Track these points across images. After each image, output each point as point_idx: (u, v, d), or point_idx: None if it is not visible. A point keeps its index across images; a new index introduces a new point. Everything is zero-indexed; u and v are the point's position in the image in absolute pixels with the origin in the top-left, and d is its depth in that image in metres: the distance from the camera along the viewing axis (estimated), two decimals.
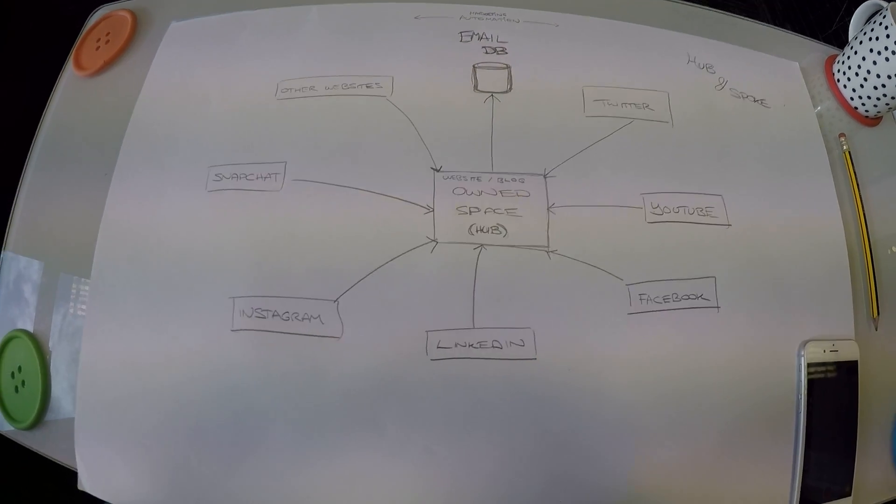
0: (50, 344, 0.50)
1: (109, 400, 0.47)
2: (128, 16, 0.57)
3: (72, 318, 0.50)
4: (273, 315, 0.46)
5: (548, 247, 0.47)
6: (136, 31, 0.57)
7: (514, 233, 0.47)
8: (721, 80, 0.58)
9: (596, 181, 0.50)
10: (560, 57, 0.56)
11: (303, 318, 0.45)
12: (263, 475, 0.45)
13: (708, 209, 0.50)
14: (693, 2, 0.63)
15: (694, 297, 0.47)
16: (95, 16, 0.60)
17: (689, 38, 0.60)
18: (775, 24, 0.67)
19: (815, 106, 0.58)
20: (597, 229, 0.48)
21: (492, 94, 0.53)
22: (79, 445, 0.48)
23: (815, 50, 0.63)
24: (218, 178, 0.49)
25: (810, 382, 0.46)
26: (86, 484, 0.48)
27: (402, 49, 0.55)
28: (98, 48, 0.56)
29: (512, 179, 0.49)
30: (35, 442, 0.50)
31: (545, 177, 0.49)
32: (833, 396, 0.46)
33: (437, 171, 0.49)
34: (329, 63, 0.54)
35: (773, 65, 0.60)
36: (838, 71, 0.59)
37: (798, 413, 0.46)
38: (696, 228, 0.49)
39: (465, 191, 0.48)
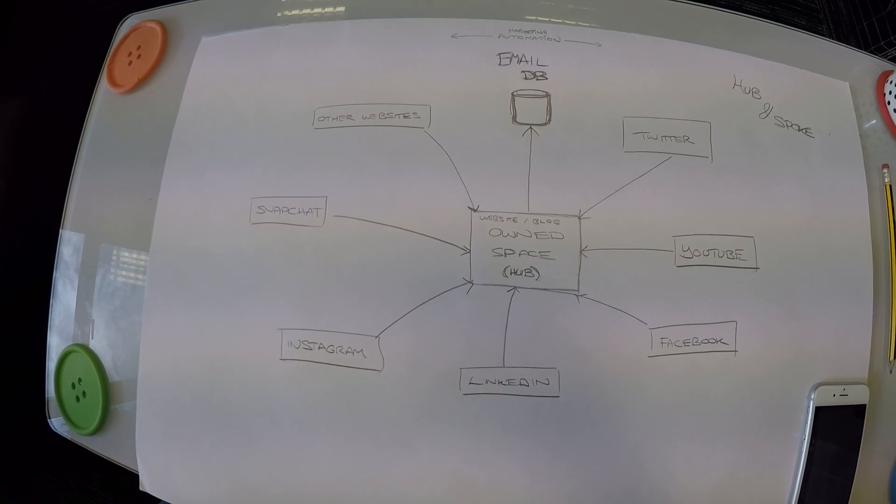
0: (107, 358, 0.58)
1: (166, 415, 0.56)
2: (157, 28, 0.60)
3: (127, 335, 0.58)
4: (319, 347, 0.53)
5: (577, 290, 0.53)
6: (167, 44, 0.60)
7: (547, 276, 0.53)
8: (766, 107, 0.61)
9: (629, 222, 0.55)
10: (601, 82, 0.59)
11: (346, 352, 0.53)
12: (305, 485, 0.54)
13: (738, 252, 0.56)
14: (750, 14, 0.65)
15: (713, 341, 0.54)
16: (124, 26, 0.63)
17: (737, 57, 0.62)
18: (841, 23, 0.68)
19: (860, 126, 0.62)
20: (626, 273, 0.54)
21: (530, 126, 0.57)
22: (140, 451, 0.57)
23: (868, 64, 0.65)
24: (261, 211, 0.55)
25: (815, 426, 0.53)
26: (147, 485, 0.58)
27: (440, 73, 0.58)
28: (130, 63, 0.60)
29: (547, 221, 0.54)
30: (97, 446, 0.60)
31: (580, 218, 0.54)
32: (836, 439, 0.54)
33: (475, 210, 0.54)
34: (365, 87, 0.58)
35: (823, 86, 0.63)
36: (889, 93, 0.61)
37: (800, 452, 0.54)
38: (723, 272, 0.55)
39: (501, 232, 0.54)
